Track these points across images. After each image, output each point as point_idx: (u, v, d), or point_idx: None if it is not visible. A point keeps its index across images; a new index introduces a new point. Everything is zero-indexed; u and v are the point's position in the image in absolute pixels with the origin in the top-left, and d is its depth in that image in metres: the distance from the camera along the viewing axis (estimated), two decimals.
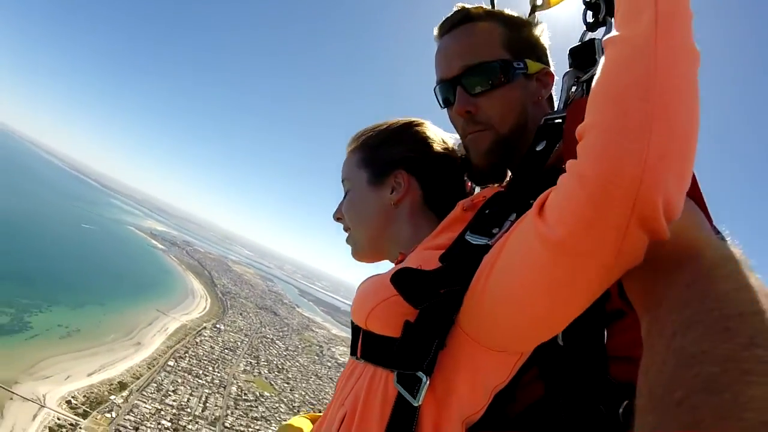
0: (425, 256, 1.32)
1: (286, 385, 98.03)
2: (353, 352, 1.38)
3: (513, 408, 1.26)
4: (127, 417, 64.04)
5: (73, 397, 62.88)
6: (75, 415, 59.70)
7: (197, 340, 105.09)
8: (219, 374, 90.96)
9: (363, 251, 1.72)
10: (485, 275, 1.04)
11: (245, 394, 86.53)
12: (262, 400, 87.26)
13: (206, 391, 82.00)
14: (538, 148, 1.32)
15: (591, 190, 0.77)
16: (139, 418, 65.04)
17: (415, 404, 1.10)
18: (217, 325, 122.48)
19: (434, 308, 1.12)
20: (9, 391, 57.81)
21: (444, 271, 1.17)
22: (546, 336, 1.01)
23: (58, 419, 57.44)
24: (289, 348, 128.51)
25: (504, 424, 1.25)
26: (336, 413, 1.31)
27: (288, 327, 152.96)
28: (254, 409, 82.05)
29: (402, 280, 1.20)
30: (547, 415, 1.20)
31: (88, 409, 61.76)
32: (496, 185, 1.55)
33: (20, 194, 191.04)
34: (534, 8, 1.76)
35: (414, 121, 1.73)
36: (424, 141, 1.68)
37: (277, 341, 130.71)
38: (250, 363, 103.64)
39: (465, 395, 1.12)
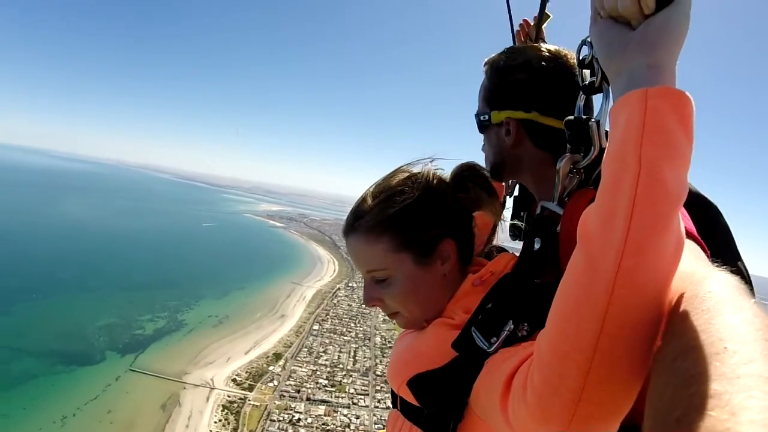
0: (441, 336, 1.42)
1: None
2: (394, 405, 1.61)
3: None
4: (287, 383, 68.05)
5: (237, 375, 67.56)
6: (242, 390, 64.27)
7: (334, 302, 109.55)
8: (362, 329, 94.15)
9: (417, 326, 1.61)
10: (476, 393, 1.26)
11: (389, 342, 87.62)
12: None
13: (353, 345, 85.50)
14: (535, 247, 1.36)
15: (533, 413, 0.91)
16: (299, 382, 69.01)
17: None
18: (350, 284, 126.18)
19: (442, 409, 1.36)
20: (181, 382, 63.26)
21: (451, 375, 1.32)
22: None
23: (228, 397, 62.19)
24: None
25: None
26: None
27: None
28: None
29: (417, 387, 1.39)
30: None
31: (252, 383, 66.22)
32: (506, 256, 1.61)
33: (145, 213, 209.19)
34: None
35: (421, 176, 1.60)
36: (451, 199, 1.59)
37: None
38: None
39: None
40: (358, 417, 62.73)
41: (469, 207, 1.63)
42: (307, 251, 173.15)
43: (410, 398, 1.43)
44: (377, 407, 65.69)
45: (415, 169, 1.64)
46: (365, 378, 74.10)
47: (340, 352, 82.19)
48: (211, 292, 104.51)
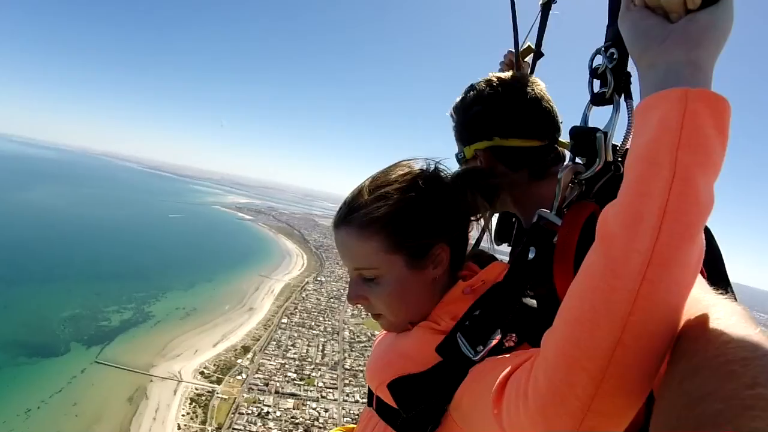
0: (426, 339, 1.40)
1: None
2: (370, 404, 1.60)
3: None
4: (256, 376, 68.02)
5: (204, 368, 67.25)
6: (210, 383, 63.99)
7: (303, 295, 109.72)
8: (330, 322, 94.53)
9: (400, 329, 1.56)
10: (457, 399, 1.25)
11: (358, 336, 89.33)
12: (375, 339, 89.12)
13: (321, 339, 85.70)
14: (530, 256, 1.32)
15: (535, 420, 0.87)
16: (267, 375, 69.07)
17: None
18: (318, 278, 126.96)
19: (421, 413, 1.33)
20: (148, 374, 62.70)
21: (433, 381, 1.30)
22: None
23: (196, 389, 61.90)
24: None
25: None
26: None
27: None
28: (369, 348, 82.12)
29: (397, 390, 1.37)
30: None
31: (220, 376, 66.04)
32: (499, 265, 1.56)
33: (110, 203, 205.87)
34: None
35: (421, 175, 1.55)
36: (451, 202, 1.54)
37: None
38: (357, 307, 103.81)
39: None
40: (326, 410, 63.05)
41: (466, 211, 1.60)
42: (275, 244, 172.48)
43: (389, 400, 1.41)
44: (346, 401, 66.21)
45: (417, 166, 1.60)
46: (334, 372, 74.50)
47: (308, 345, 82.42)
48: (179, 283, 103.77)
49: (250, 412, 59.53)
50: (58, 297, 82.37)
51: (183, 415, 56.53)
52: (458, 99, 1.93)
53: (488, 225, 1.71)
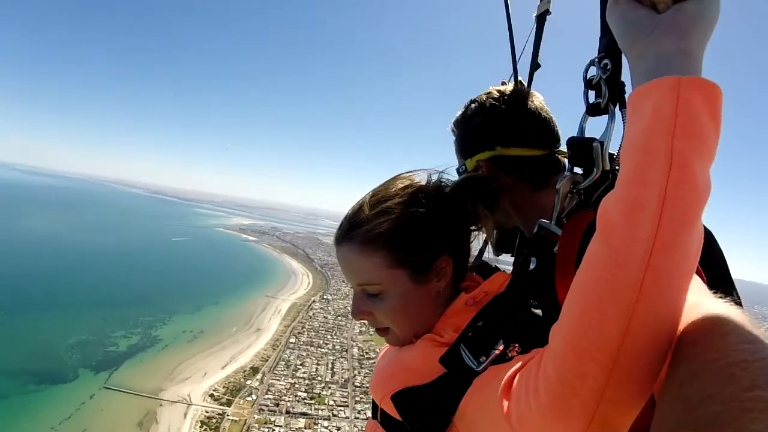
0: (429, 351, 1.40)
1: None
2: (374, 416, 1.59)
3: None
4: (266, 396, 67.56)
5: (214, 391, 66.78)
6: (220, 405, 63.58)
7: (310, 314, 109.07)
8: (338, 340, 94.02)
9: (406, 343, 1.54)
10: (462, 410, 1.24)
11: (366, 353, 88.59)
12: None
13: (330, 357, 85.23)
14: (531, 267, 1.35)
15: (548, 414, 0.86)
16: (277, 395, 68.52)
17: None
18: (325, 296, 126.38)
19: (425, 425, 1.32)
20: (157, 398, 62.24)
21: (438, 393, 1.29)
22: None
23: (206, 412, 61.38)
24: None
25: None
26: None
27: None
28: None
29: (401, 402, 1.37)
30: None
31: (230, 398, 65.53)
32: (502, 276, 1.55)
33: (113, 228, 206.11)
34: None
35: (422, 187, 1.53)
36: (452, 214, 1.52)
37: None
38: (364, 324, 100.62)
39: None
40: (338, 429, 62.59)
41: (467, 222, 1.58)
42: (280, 264, 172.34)
43: (393, 412, 1.40)
44: (357, 418, 65.54)
45: (417, 178, 1.57)
46: (344, 390, 74.01)
47: (317, 364, 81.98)
48: (185, 307, 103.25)
49: None
50: (64, 324, 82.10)
51: None
52: (459, 113, 1.95)
53: (491, 235, 1.74)
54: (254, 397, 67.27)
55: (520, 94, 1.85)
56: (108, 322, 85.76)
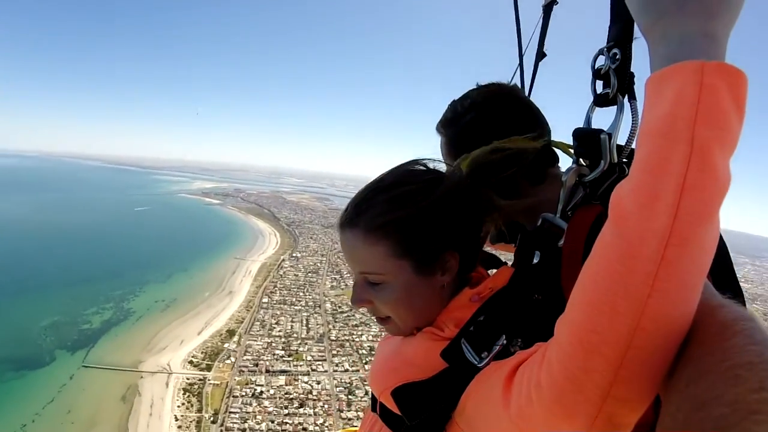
0: (430, 346, 1.37)
1: None
2: (374, 409, 1.55)
3: None
4: (245, 358, 68.60)
5: (193, 357, 67.43)
6: (200, 371, 64.38)
7: (281, 273, 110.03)
8: (311, 297, 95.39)
9: (406, 334, 1.53)
10: (462, 405, 1.20)
11: (339, 307, 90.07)
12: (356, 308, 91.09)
13: (304, 314, 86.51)
14: (534, 260, 1.32)
15: (551, 409, 0.83)
16: (256, 356, 69.64)
17: None
18: (294, 255, 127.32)
19: (425, 421, 1.29)
20: (137, 371, 62.83)
21: (438, 388, 1.26)
22: None
23: (188, 379, 62.28)
24: None
25: None
26: None
27: None
28: (352, 317, 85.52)
29: (401, 397, 1.34)
30: None
31: (209, 363, 66.32)
32: (508, 271, 1.48)
33: (76, 204, 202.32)
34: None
35: (437, 177, 1.48)
36: (462, 204, 1.46)
37: None
38: (335, 279, 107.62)
39: None
40: (318, 383, 64.27)
41: (480, 214, 1.52)
42: (247, 225, 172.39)
43: (393, 407, 1.38)
44: (336, 371, 67.47)
45: (432, 165, 1.54)
46: (321, 344, 75.54)
47: (292, 321, 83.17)
48: (155, 276, 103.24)
49: (243, 394, 60.22)
50: (34, 307, 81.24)
51: (178, 406, 57.05)
52: (446, 112, 1.91)
53: (498, 225, 1.62)
54: (233, 359, 68.17)
55: (509, 87, 1.88)
56: (79, 301, 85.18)
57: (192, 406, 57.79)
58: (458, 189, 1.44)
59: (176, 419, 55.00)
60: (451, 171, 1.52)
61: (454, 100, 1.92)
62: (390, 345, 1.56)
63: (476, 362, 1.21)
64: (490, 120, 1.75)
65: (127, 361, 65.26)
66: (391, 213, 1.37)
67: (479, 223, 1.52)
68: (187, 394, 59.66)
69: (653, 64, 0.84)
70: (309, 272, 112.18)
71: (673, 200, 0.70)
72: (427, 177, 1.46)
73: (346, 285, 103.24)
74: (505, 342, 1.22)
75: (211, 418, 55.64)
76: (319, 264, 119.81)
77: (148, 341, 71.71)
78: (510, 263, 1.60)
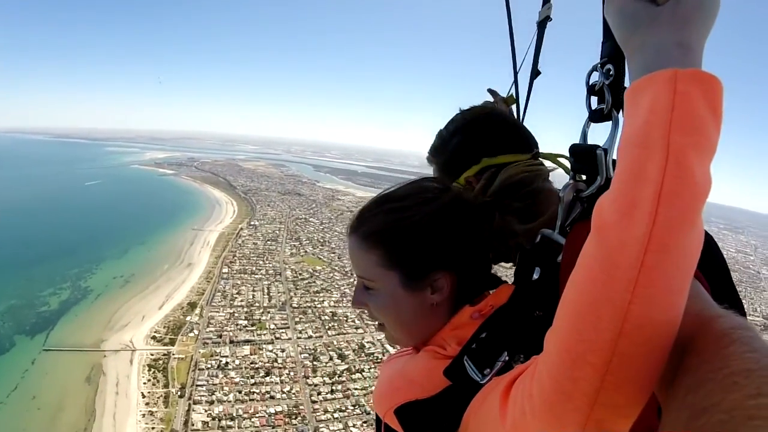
0: (432, 365, 1.40)
1: (332, 255, 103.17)
2: (378, 430, 1.58)
3: None
4: (208, 330, 68.90)
5: (155, 332, 67.48)
6: (163, 345, 64.50)
7: (239, 242, 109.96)
8: (271, 265, 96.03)
9: (403, 345, 1.65)
10: (465, 422, 1.22)
11: (300, 274, 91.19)
12: (317, 274, 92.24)
13: (265, 283, 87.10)
14: (534, 276, 1.33)
15: (543, 419, 0.85)
16: (219, 327, 70.06)
17: None
18: (252, 223, 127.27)
19: None
20: (100, 351, 62.40)
21: (441, 406, 1.28)
22: None
23: (152, 355, 62.40)
24: (323, 221, 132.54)
25: None
26: None
27: (315, 203, 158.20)
28: (313, 284, 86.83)
29: (405, 416, 1.36)
30: None
31: (172, 337, 66.48)
32: (509, 289, 1.51)
33: (22, 181, 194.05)
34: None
35: (434, 195, 1.53)
36: (465, 228, 1.51)
37: (310, 219, 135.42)
38: (294, 246, 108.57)
39: None
40: (283, 350, 65.47)
41: (488, 240, 1.56)
42: (202, 195, 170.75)
43: (396, 426, 1.39)
44: (300, 338, 68.69)
45: (440, 187, 1.58)
46: (283, 312, 76.47)
47: (253, 291, 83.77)
48: (111, 252, 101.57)
49: (209, 366, 60.83)
50: None
51: (144, 383, 57.21)
52: (433, 143, 1.99)
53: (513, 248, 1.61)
54: (196, 332, 68.55)
55: (490, 106, 1.96)
56: (34, 282, 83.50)
57: (158, 381, 58.13)
58: (456, 209, 1.50)
59: (143, 396, 55.35)
60: (456, 191, 1.57)
61: (440, 129, 2.02)
62: (392, 366, 1.61)
63: (479, 379, 1.22)
64: (476, 140, 1.85)
65: (89, 341, 64.81)
66: (385, 224, 1.47)
67: (484, 247, 1.56)
68: (153, 370, 59.95)
69: (631, 75, 0.88)
70: (268, 240, 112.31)
71: (650, 207, 0.71)
72: (428, 195, 1.52)
73: (306, 252, 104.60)
74: (507, 358, 1.24)
75: (179, 393, 56.13)
76: (277, 231, 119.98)
77: (108, 319, 71.18)
78: (510, 280, 1.65)
